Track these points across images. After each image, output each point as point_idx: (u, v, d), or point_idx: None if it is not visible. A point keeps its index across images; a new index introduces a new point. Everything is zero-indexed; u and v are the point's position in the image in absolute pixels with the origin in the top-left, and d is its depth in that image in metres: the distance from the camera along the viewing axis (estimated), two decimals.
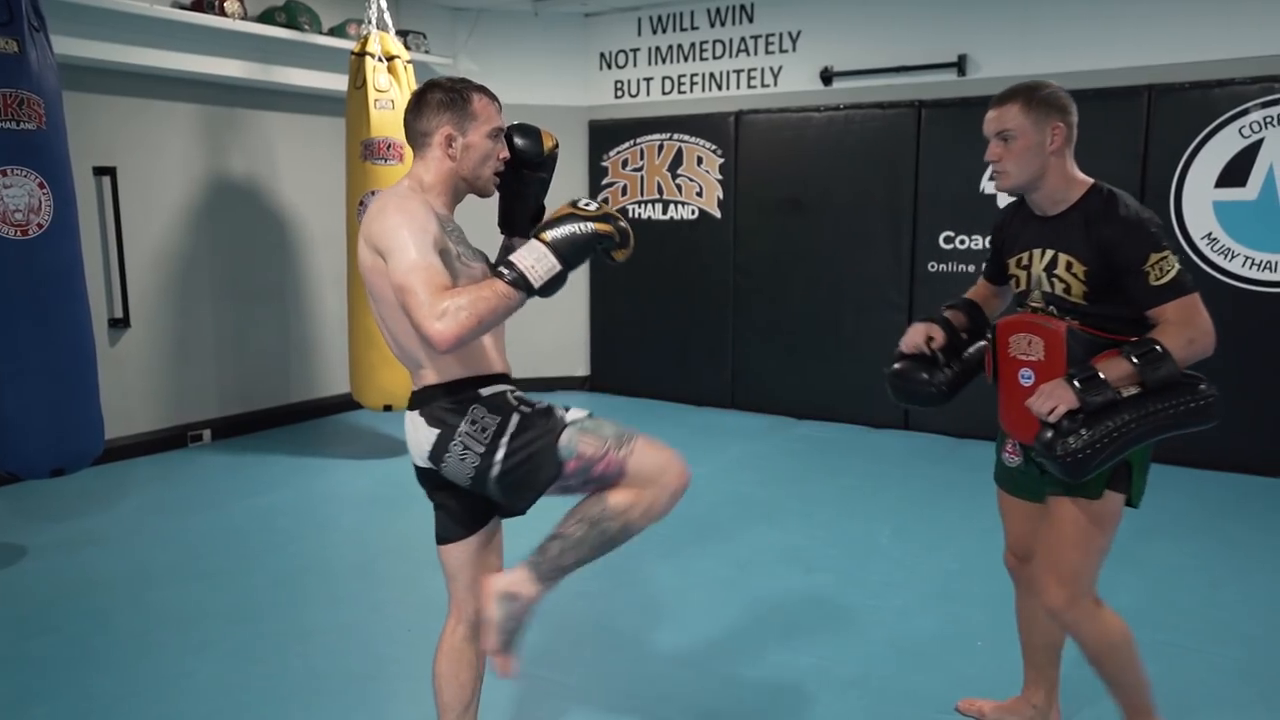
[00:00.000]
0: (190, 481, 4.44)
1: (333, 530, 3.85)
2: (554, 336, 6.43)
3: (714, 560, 3.43)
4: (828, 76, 5.42)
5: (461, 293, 1.58)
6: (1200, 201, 4.47)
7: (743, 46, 5.72)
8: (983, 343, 2.14)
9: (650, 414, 5.85)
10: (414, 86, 4.59)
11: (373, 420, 5.44)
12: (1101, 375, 1.75)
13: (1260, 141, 4.30)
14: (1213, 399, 1.79)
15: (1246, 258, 4.40)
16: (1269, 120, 4.28)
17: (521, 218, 1.94)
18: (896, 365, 2.15)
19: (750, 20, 5.67)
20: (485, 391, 1.74)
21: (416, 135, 1.79)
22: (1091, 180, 1.95)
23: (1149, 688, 2.04)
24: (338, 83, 4.96)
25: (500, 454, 1.67)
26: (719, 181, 5.81)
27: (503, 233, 1.98)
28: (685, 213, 5.97)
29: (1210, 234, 4.46)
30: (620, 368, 6.41)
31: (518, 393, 1.78)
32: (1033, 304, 2.00)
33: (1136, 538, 3.65)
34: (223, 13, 4.57)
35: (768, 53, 5.64)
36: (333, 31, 5.16)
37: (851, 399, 5.45)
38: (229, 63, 4.80)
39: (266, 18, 4.87)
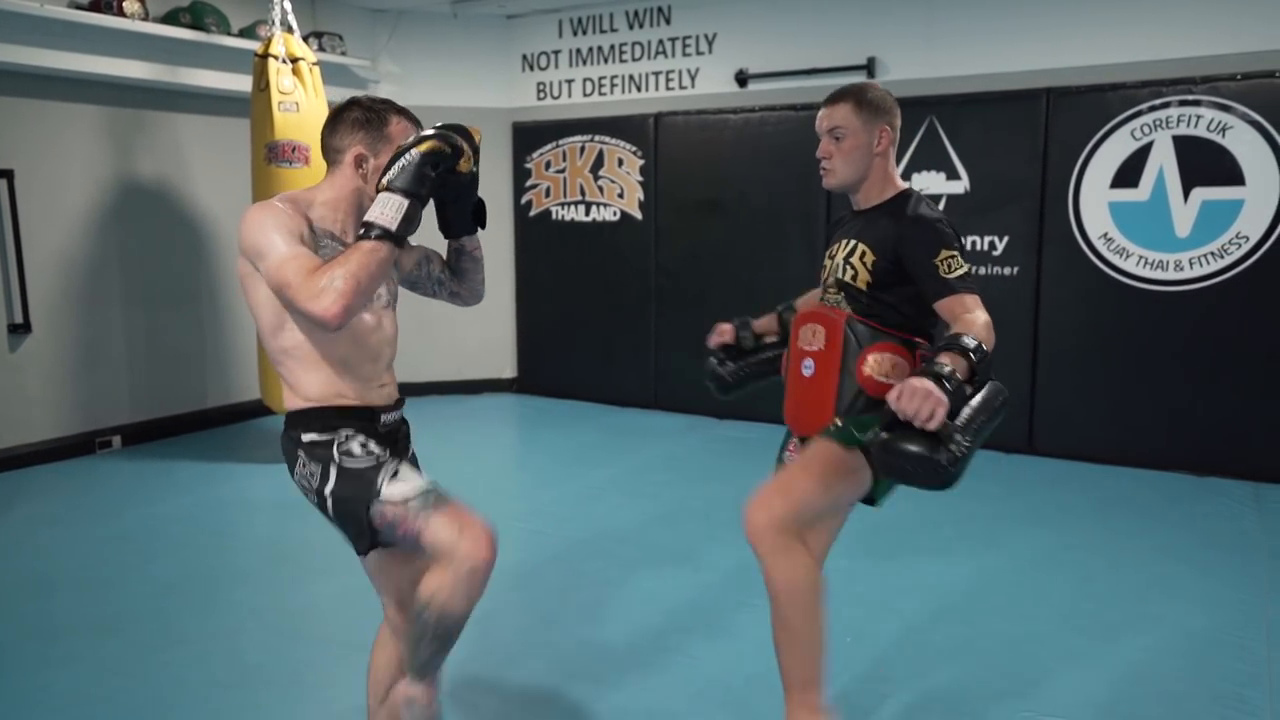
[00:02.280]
0: (91, 489, 4.36)
1: (226, 537, 3.81)
2: (481, 339, 6.42)
3: (604, 560, 3.45)
4: (743, 79, 5.47)
5: (332, 265, 1.62)
6: (1097, 202, 4.57)
7: (661, 48, 5.74)
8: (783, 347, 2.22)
9: (575, 415, 5.86)
10: (320, 88, 4.60)
11: None
12: (955, 372, 1.64)
13: (1150, 144, 4.41)
14: (1007, 394, 1.80)
15: (1140, 257, 4.51)
16: (1158, 123, 4.39)
17: (460, 219, 1.89)
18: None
19: (668, 22, 5.70)
20: (308, 438, 1.72)
21: (329, 150, 1.78)
22: (906, 185, 2.03)
23: (823, 654, 1.93)
24: (248, 84, 4.89)
25: (329, 505, 1.72)
26: (640, 183, 5.83)
27: (445, 237, 1.94)
28: (607, 214, 5.98)
29: (1106, 234, 4.57)
30: (547, 369, 6.41)
31: (349, 440, 1.72)
32: (827, 289, 2.07)
33: (1019, 527, 3.75)
34: (121, 13, 4.49)
35: (685, 55, 5.67)
36: (243, 33, 5.10)
37: (770, 399, 5.42)
38: (133, 64, 4.72)
39: (171, 19, 4.80)
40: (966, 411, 1.66)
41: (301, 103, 4.46)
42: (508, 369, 6.54)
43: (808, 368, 2.00)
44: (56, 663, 2.67)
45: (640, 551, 3.54)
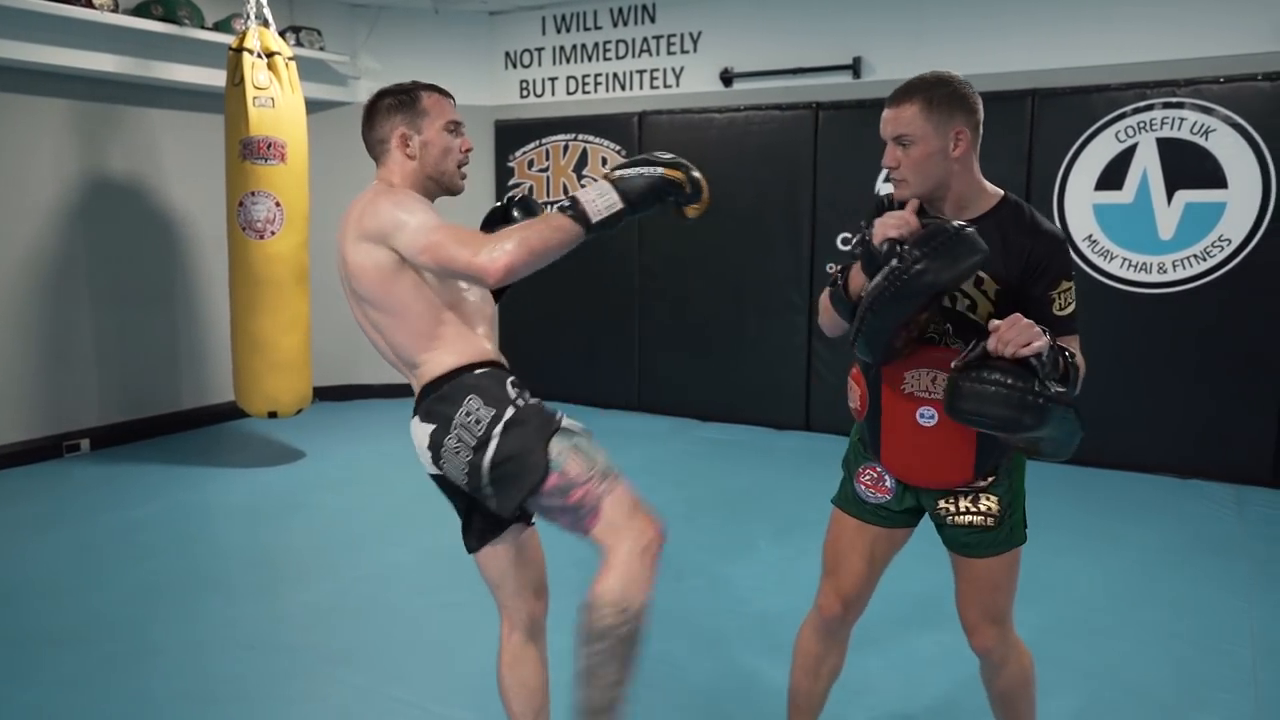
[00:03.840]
0: (57, 494, 4.24)
1: (197, 543, 3.70)
2: None
3: (585, 570, 3.37)
4: (728, 78, 5.42)
5: (505, 233, 1.57)
6: (1081, 204, 4.57)
7: (645, 47, 5.69)
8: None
9: None
10: (296, 84, 4.50)
11: (263, 428, 5.28)
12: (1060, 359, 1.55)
13: (1134, 146, 4.41)
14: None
15: (1124, 259, 4.51)
16: (1142, 125, 4.38)
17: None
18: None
19: (652, 20, 5.65)
20: (480, 373, 1.67)
21: (374, 144, 1.79)
22: (1002, 190, 1.76)
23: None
24: (223, 79, 4.78)
25: (492, 447, 1.60)
26: None
27: None
28: None
29: (1091, 235, 4.56)
30: (530, 370, 6.25)
31: (516, 382, 1.70)
32: (933, 329, 1.72)
33: None
34: (90, 4, 4.38)
35: (669, 53, 5.62)
36: (217, 26, 5.00)
37: (754, 400, 5.46)
38: (103, 57, 4.60)
39: (142, 10, 4.69)
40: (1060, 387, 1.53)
41: (277, 98, 4.36)
42: None
43: (927, 417, 1.74)
44: (17, 676, 2.57)
45: None
